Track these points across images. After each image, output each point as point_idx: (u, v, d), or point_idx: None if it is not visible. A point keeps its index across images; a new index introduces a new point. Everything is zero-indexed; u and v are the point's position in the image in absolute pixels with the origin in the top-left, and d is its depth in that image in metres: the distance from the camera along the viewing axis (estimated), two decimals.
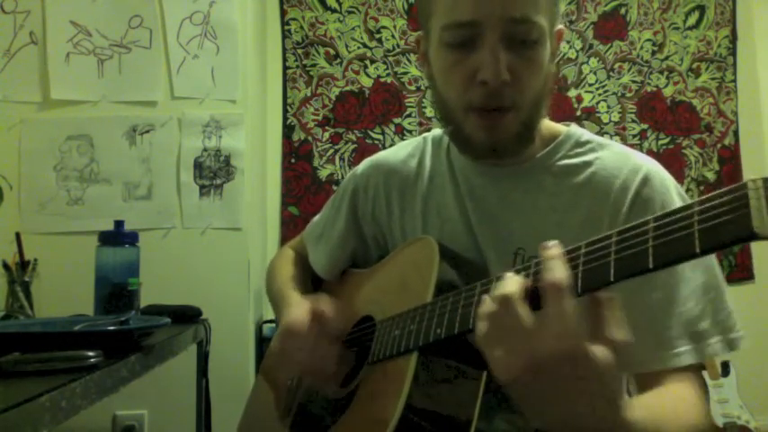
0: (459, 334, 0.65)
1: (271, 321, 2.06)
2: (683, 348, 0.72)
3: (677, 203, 0.77)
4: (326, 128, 2.43)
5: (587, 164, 0.82)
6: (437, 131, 0.97)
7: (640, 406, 0.59)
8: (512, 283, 0.55)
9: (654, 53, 2.64)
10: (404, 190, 0.94)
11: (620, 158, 0.82)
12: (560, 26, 0.83)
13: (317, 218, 1.09)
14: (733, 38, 2.70)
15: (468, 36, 0.75)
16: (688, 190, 2.58)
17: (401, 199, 0.94)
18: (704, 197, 0.46)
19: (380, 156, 1.01)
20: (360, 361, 0.83)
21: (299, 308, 0.87)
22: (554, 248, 0.54)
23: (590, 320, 0.53)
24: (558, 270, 0.52)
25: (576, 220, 0.79)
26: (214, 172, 1.89)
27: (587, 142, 0.85)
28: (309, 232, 1.09)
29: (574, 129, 0.87)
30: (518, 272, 0.58)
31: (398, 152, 0.98)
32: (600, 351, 0.51)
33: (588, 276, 0.52)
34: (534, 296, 0.54)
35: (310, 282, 1.07)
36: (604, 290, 0.52)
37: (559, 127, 0.88)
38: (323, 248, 1.03)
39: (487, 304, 0.55)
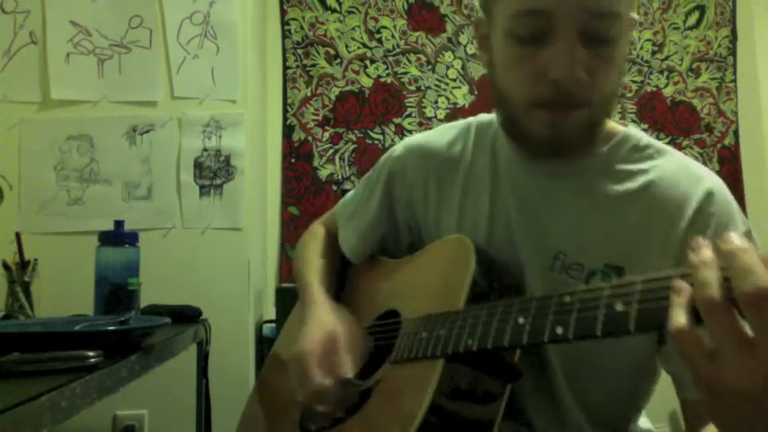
0: (493, 349, 0.62)
1: (271, 321, 2.06)
2: None
3: (740, 225, 0.73)
4: (326, 128, 2.43)
5: (644, 171, 0.77)
6: (483, 117, 0.91)
7: None
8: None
9: (654, 53, 2.64)
10: (442, 178, 0.89)
11: (682, 169, 0.76)
12: (633, 14, 0.76)
13: (349, 195, 1.04)
14: (733, 38, 2.70)
15: (540, 27, 0.68)
16: None
17: (439, 188, 0.89)
18: None
19: (421, 139, 0.95)
20: (380, 354, 0.82)
21: (317, 331, 0.83)
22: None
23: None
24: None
25: (626, 229, 0.74)
26: (214, 172, 1.89)
27: (647, 147, 0.79)
28: (341, 210, 1.04)
29: (633, 130, 0.81)
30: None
31: (441, 137, 0.92)
32: None
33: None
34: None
35: (339, 263, 1.03)
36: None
37: (617, 126, 0.82)
38: (353, 229, 0.99)
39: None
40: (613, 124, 0.82)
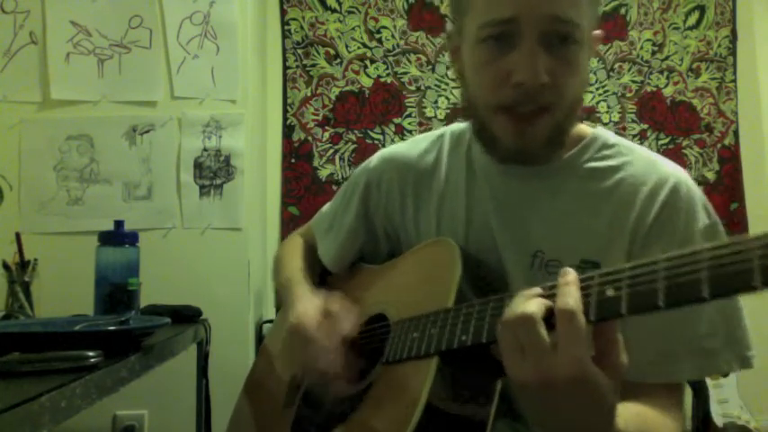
0: (487, 343, 0.63)
1: (271, 321, 2.06)
2: (685, 364, 0.71)
3: (701, 217, 0.76)
4: (326, 128, 2.42)
5: (614, 168, 0.80)
6: (456, 127, 0.94)
7: (629, 413, 0.63)
8: (532, 304, 0.56)
9: (654, 53, 2.64)
10: (419, 187, 0.91)
11: (649, 165, 0.80)
12: (598, 31, 0.80)
13: (325, 208, 1.07)
14: (733, 38, 2.70)
15: (506, 33, 0.72)
16: None
17: (416, 196, 0.91)
18: (762, 233, 0.45)
19: (395, 150, 0.98)
20: (370, 359, 0.82)
21: (309, 304, 0.86)
22: (570, 275, 0.56)
23: (596, 345, 0.55)
24: (571, 296, 0.54)
25: (600, 226, 0.77)
26: (214, 172, 1.89)
27: (614, 145, 0.83)
28: (318, 223, 1.06)
29: (600, 131, 0.85)
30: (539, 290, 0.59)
31: (414, 147, 0.95)
32: (604, 376, 0.54)
33: (635, 300, 0.52)
34: (551, 316, 0.56)
35: (319, 272, 1.05)
36: (648, 314, 0.52)
37: (585, 128, 0.85)
38: (332, 241, 1.01)
39: (509, 318, 0.57)
40: (582, 126, 0.85)
